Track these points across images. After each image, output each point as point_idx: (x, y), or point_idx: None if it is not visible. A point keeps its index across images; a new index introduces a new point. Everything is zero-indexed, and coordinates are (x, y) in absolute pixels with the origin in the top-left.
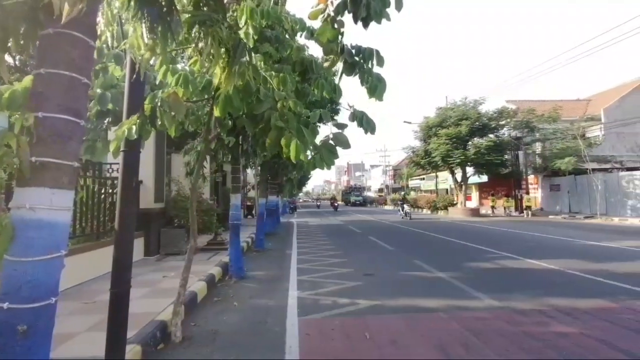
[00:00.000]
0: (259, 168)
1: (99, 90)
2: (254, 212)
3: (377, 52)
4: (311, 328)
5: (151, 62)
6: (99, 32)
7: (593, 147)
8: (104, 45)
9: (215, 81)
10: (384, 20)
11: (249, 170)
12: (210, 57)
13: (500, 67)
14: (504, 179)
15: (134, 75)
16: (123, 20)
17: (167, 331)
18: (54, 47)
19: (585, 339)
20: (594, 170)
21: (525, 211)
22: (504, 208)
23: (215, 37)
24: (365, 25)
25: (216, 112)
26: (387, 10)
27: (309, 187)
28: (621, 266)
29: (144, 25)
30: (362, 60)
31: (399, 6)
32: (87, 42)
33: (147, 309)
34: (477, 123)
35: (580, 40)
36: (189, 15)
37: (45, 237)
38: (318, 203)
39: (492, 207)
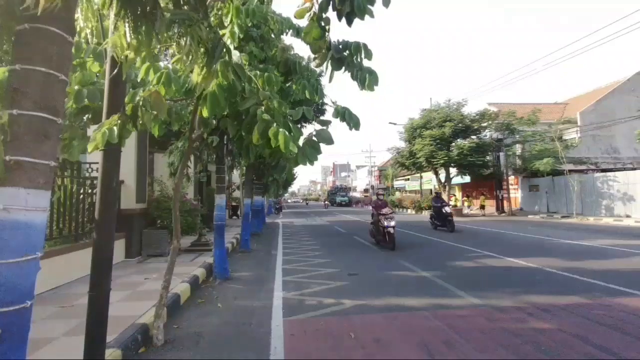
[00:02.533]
0: (244, 168)
1: (76, 87)
2: (239, 212)
3: (365, 45)
4: (296, 328)
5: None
6: (78, 29)
7: (570, 149)
8: (83, 40)
9: (195, 79)
10: (368, 21)
11: (234, 171)
12: (190, 56)
13: (483, 70)
14: (485, 180)
15: (115, 73)
16: (103, 17)
17: (149, 334)
18: (30, 42)
19: (562, 334)
20: (570, 171)
21: (480, 210)
22: (469, 207)
23: (195, 36)
24: (349, 22)
25: (204, 113)
26: (375, 6)
27: (294, 187)
28: (596, 264)
29: (127, 24)
30: (350, 55)
31: (386, 2)
32: (65, 38)
33: (128, 312)
34: (460, 125)
35: (556, 47)
36: (169, 14)
37: (20, 238)
38: (326, 202)
39: (454, 206)
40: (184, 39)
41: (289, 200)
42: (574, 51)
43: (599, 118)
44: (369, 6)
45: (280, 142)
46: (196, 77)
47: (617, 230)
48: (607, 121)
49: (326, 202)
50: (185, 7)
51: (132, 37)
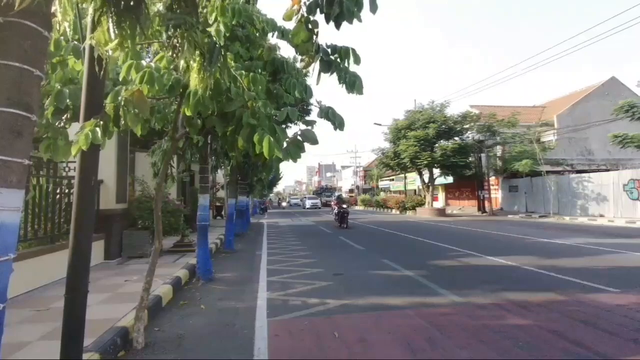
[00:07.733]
0: (229, 168)
1: (58, 86)
2: (223, 212)
3: (354, 50)
4: (280, 329)
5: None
6: (56, 24)
7: (547, 151)
8: (62, 37)
9: (192, 84)
10: (355, 24)
11: (218, 170)
12: (186, 61)
13: (469, 72)
14: (468, 180)
15: (93, 70)
16: (82, 11)
17: (129, 337)
18: (3, 36)
19: (539, 330)
20: (547, 172)
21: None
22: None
23: (191, 41)
24: (337, 25)
25: (186, 111)
26: (362, 12)
27: (280, 187)
28: (571, 261)
29: (110, 19)
30: (338, 59)
31: (373, 8)
32: (41, 33)
33: (107, 315)
34: (443, 126)
35: (535, 51)
36: (162, 17)
37: None
38: (300, 202)
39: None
40: (181, 43)
41: (284, 204)
42: (552, 56)
43: (575, 121)
44: (357, 10)
45: (265, 148)
46: (193, 82)
47: (591, 229)
48: (582, 124)
49: (299, 201)
50: (178, 11)
51: (116, 32)
